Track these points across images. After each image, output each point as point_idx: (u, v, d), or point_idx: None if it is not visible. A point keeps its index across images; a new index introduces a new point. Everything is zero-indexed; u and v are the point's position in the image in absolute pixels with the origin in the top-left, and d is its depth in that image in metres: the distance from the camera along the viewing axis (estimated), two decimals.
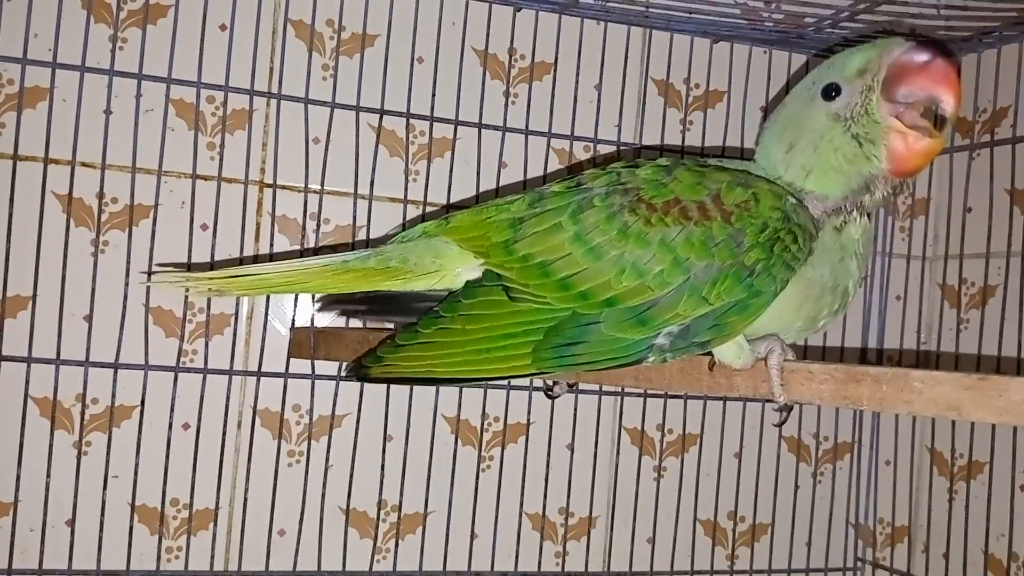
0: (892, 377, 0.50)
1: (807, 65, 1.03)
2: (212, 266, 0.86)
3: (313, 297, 0.75)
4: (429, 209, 0.93)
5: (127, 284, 0.84)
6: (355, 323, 0.91)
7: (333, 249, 0.91)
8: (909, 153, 0.58)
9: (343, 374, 0.84)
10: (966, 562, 0.96)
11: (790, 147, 0.62)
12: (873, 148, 0.58)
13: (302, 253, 0.90)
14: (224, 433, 0.87)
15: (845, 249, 0.61)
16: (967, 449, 0.99)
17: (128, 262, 0.84)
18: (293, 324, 0.89)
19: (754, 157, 0.67)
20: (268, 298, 0.89)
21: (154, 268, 0.85)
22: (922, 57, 0.56)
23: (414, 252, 0.66)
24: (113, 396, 0.85)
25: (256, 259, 0.89)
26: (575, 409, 0.97)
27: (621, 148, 0.99)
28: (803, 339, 0.65)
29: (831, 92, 0.59)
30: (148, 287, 0.85)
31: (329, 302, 0.76)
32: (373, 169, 0.91)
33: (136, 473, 0.85)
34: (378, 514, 0.92)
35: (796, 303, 0.60)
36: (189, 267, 0.86)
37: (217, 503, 0.87)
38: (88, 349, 0.84)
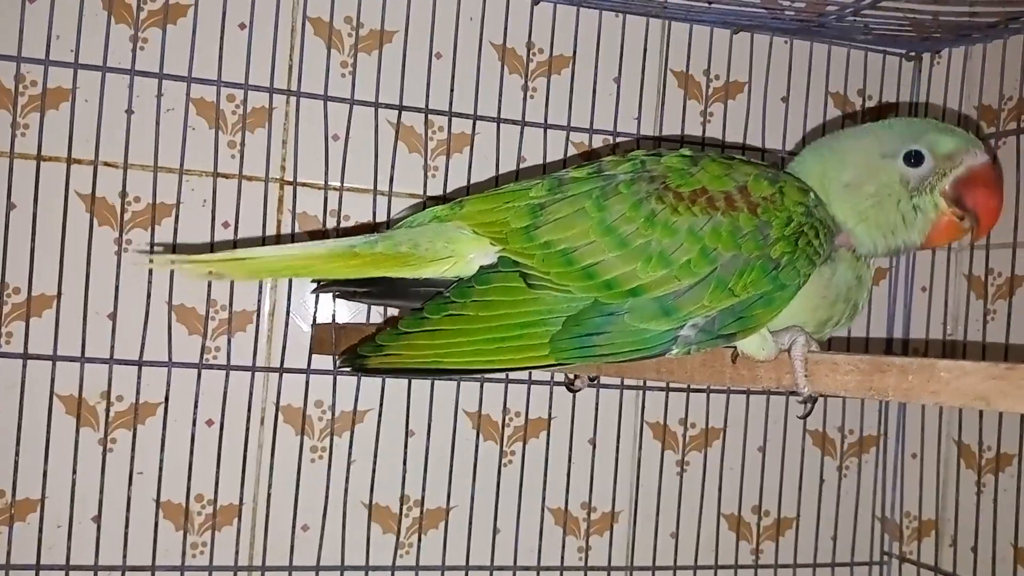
0: (919, 367, 0.49)
1: (828, 54, 1.02)
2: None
3: (318, 282, 0.73)
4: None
5: (150, 282, 0.85)
6: (376, 318, 0.91)
7: None
8: (946, 236, 0.63)
9: (338, 364, 0.81)
10: (995, 556, 0.95)
11: (847, 185, 0.63)
12: (924, 223, 0.62)
13: None
14: (247, 429, 0.88)
15: (860, 272, 0.63)
16: (995, 441, 0.98)
17: (151, 260, 0.85)
18: (315, 320, 0.89)
19: (789, 166, 0.67)
20: (290, 295, 0.89)
21: (154, 250, 0.85)
22: (993, 179, 0.62)
23: (425, 237, 0.64)
24: (137, 393, 0.86)
25: None
26: (596, 403, 0.96)
27: (641, 141, 0.98)
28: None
29: (914, 159, 0.62)
30: (171, 285, 0.86)
31: (327, 284, 0.73)
32: (392, 165, 0.91)
33: (161, 469, 0.85)
34: (401, 509, 0.92)
35: (813, 304, 0.61)
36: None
37: (241, 499, 0.88)
38: (112, 347, 0.84)
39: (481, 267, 0.63)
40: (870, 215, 0.62)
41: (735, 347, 0.59)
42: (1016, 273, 0.98)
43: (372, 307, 0.91)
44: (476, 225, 0.63)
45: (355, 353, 0.63)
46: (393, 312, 0.90)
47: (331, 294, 0.85)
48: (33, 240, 0.83)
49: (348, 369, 0.64)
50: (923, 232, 0.62)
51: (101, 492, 0.84)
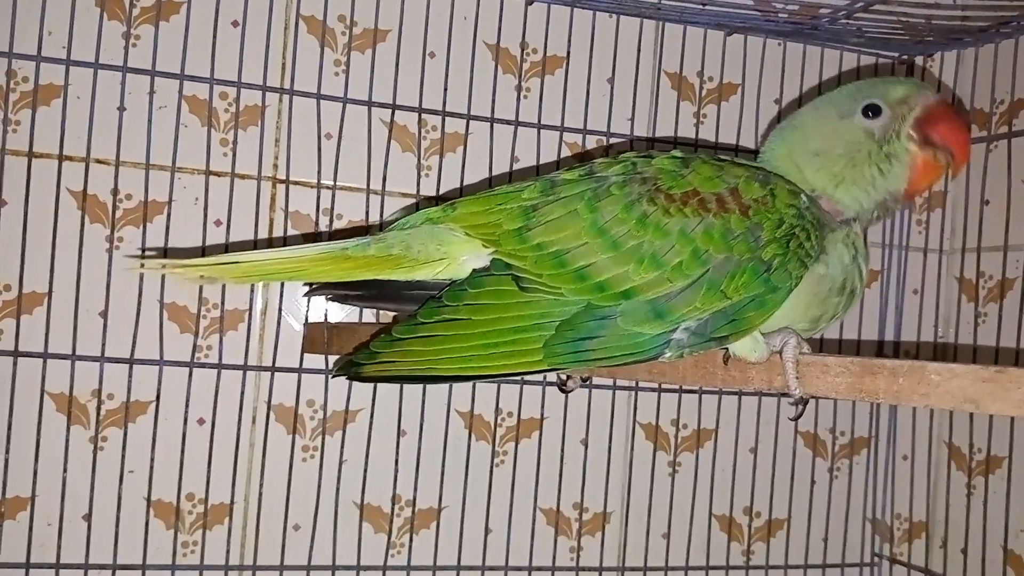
0: (909, 370, 0.50)
1: (822, 57, 1.02)
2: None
3: (311, 285, 0.73)
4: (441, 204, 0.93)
5: (142, 280, 0.84)
6: (368, 318, 0.91)
7: None
8: (927, 176, 0.64)
9: (332, 372, 0.81)
10: (985, 558, 0.96)
11: (817, 154, 0.64)
12: (901, 168, 0.63)
13: None
14: (239, 428, 0.87)
15: (858, 250, 0.63)
16: (985, 444, 0.98)
17: (142, 254, 0.85)
18: (307, 319, 0.89)
19: (759, 157, 0.68)
20: (282, 294, 0.89)
21: (146, 254, 0.85)
22: (952, 113, 0.64)
23: (417, 239, 0.64)
24: (128, 391, 0.85)
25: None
26: (589, 404, 0.96)
27: (634, 142, 0.98)
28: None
29: (872, 111, 0.63)
30: (163, 283, 0.86)
31: (319, 287, 0.73)
32: (385, 164, 0.91)
33: (152, 468, 0.85)
34: (392, 509, 0.92)
35: (805, 303, 0.60)
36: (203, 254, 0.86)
37: (232, 498, 0.88)
38: (103, 345, 0.84)
39: (474, 270, 0.63)
40: (846, 175, 0.63)
41: (727, 349, 0.59)
42: (1007, 276, 0.98)
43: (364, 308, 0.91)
44: (469, 227, 0.63)
45: (350, 362, 0.63)
46: (385, 313, 0.90)
47: (323, 297, 0.85)
48: (24, 237, 0.82)
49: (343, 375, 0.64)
50: (903, 177, 0.63)
51: (92, 490, 0.84)
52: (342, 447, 0.90)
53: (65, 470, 0.83)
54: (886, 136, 0.63)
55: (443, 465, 0.92)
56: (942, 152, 0.62)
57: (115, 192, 0.85)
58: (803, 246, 0.58)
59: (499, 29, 0.94)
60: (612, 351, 0.57)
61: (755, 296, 0.57)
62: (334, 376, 0.66)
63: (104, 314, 0.84)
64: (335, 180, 0.90)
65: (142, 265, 0.68)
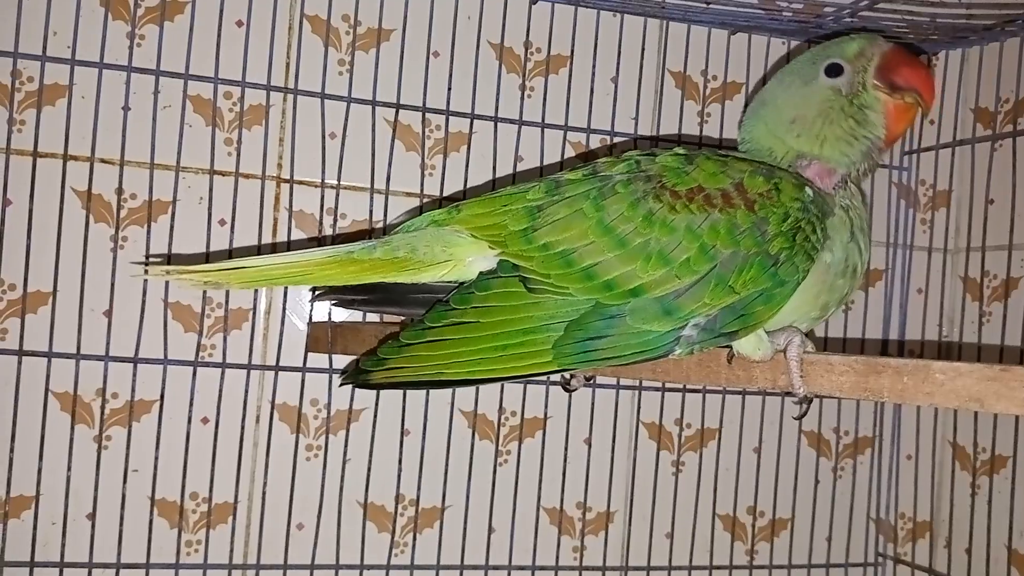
0: (913, 368, 0.50)
1: None
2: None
3: (315, 289, 0.73)
4: (446, 204, 0.93)
5: (146, 280, 0.85)
6: (372, 317, 0.91)
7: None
8: (902, 119, 0.65)
9: (339, 380, 0.81)
10: (989, 558, 0.95)
11: (793, 121, 0.65)
12: (874, 115, 0.65)
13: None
14: (242, 427, 0.88)
15: (853, 224, 0.63)
16: (990, 443, 0.98)
17: (147, 257, 0.85)
18: (311, 319, 0.89)
19: (740, 144, 0.68)
20: (286, 293, 0.89)
21: (150, 260, 0.85)
22: (910, 57, 0.65)
23: (422, 242, 0.64)
24: (133, 391, 0.85)
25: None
26: (592, 403, 0.96)
27: (638, 141, 0.98)
28: (814, 328, 0.66)
29: (834, 70, 0.65)
30: (167, 283, 0.86)
31: (324, 291, 0.73)
32: (389, 164, 0.91)
33: (156, 467, 0.85)
34: (396, 508, 0.92)
35: (814, 293, 0.60)
36: (207, 259, 0.86)
37: (236, 497, 0.88)
38: (108, 344, 0.84)
39: (481, 272, 0.63)
40: (826, 133, 0.65)
41: (731, 347, 0.59)
42: (1011, 275, 0.98)
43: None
44: (474, 229, 0.63)
45: (357, 368, 0.63)
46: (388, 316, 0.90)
47: (328, 301, 0.85)
48: (29, 237, 0.83)
49: (351, 383, 0.64)
50: (879, 124, 0.65)
51: (96, 489, 0.84)
52: (346, 446, 0.90)
53: (69, 469, 0.84)
54: (853, 90, 0.64)
55: (446, 464, 0.92)
56: (909, 94, 0.64)
57: (119, 192, 0.85)
58: (809, 239, 0.58)
59: (503, 28, 0.94)
60: (622, 350, 0.57)
61: (763, 290, 0.57)
62: (342, 384, 0.66)
63: (108, 313, 0.85)
64: (339, 180, 0.90)
65: (146, 272, 0.68)
